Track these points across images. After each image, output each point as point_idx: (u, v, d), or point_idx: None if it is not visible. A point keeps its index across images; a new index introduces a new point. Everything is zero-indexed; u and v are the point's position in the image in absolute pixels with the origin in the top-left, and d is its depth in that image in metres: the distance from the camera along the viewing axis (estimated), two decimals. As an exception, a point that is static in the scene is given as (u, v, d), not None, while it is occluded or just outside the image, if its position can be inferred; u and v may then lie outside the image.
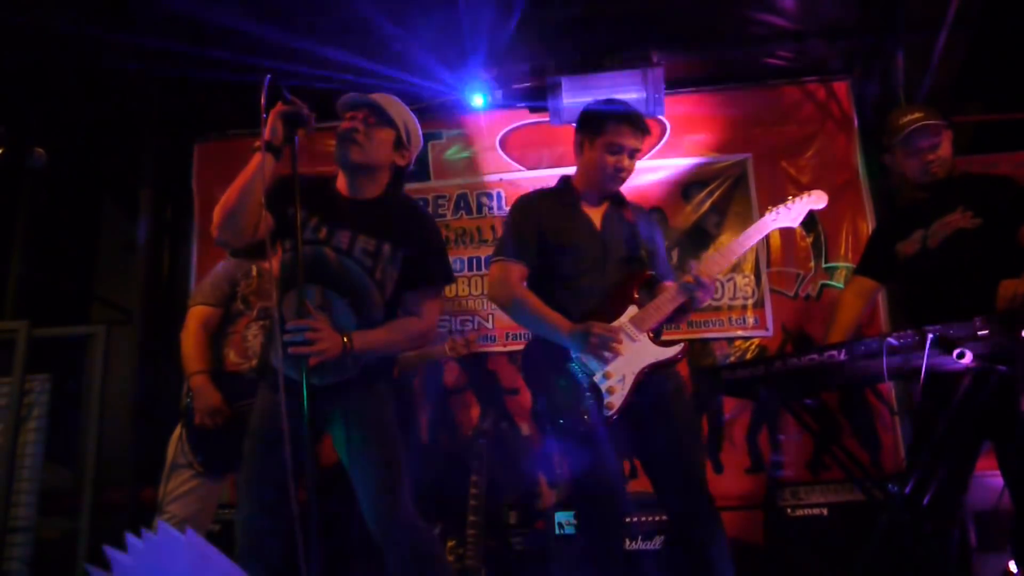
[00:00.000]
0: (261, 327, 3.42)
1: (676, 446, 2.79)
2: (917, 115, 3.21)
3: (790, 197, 3.06)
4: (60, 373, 4.51)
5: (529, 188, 5.17)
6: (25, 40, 4.54)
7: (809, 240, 4.93)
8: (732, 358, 4.79)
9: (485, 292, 4.96)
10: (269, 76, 2.36)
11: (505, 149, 5.30)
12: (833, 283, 4.84)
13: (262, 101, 2.30)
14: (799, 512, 3.90)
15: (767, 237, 4.89)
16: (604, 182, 3.01)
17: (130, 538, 1.44)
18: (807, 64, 5.12)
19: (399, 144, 2.79)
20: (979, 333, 2.44)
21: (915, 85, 4.71)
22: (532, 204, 3.06)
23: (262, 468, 2.56)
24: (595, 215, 3.02)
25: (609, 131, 2.95)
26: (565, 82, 4.80)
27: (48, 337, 4.35)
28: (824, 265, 4.89)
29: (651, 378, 2.76)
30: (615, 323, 2.77)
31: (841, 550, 3.68)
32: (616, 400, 2.70)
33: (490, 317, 4.97)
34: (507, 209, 5.16)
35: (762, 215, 4.80)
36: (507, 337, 4.91)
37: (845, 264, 4.84)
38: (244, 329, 3.43)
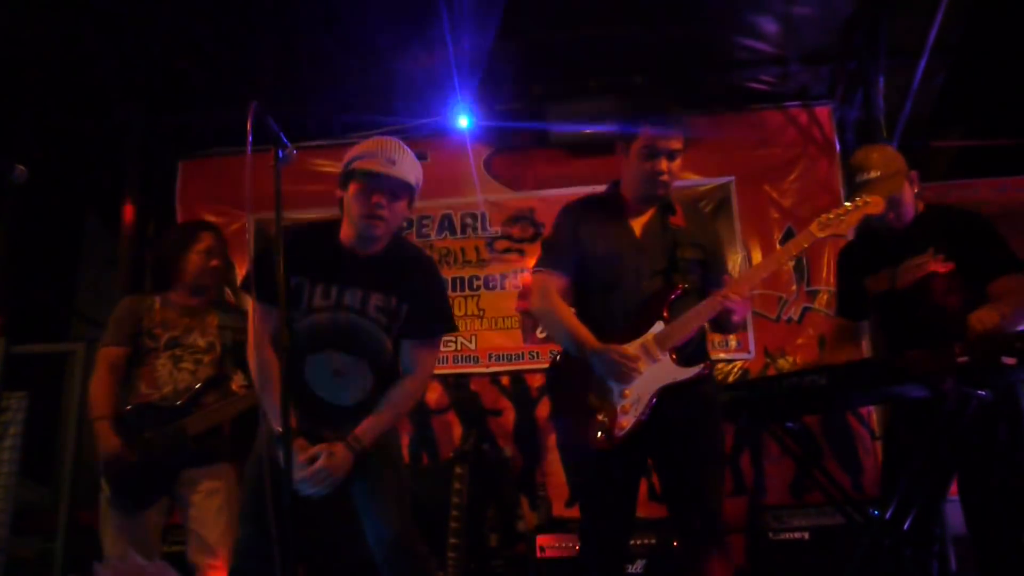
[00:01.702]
0: (169, 356, 3.41)
1: (694, 480, 2.68)
2: (873, 174, 3.02)
3: (847, 204, 2.88)
4: (38, 390, 4.47)
5: (513, 209, 5.26)
6: (7, 54, 4.53)
7: (791, 264, 4.95)
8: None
9: (469, 312, 4.97)
10: (255, 103, 2.31)
11: (490, 170, 5.31)
12: (815, 307, 4.86)
13: (248, 126, 2.26)
14: (781, 536, 3.89)
15: (749, 260, 4.95)
16: (645, 188, 2.85)
17: (97, 568, 1.42)
18: (790, 89, 5.17)
19: (412, 202, 2.75)
20: (959, 360, 2.44)
21: (896, 110, 4.76)
22: (574, 212, 2.96)
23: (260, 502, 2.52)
24: (637, 224, 2.89)
25: (641, 135, 2.81)
26: (549, 105, 4.82)
27: (27, 354, 4.32)
28: (807, 289, 4.91)
29: (671, 399, 2.65)
30: (639, 339, 2.69)
31: (823, 574, 3.68)
32: (628, 421, 2.62)
33: (473, 338, 4.96)
34: (491, 230, 5.22)
35: (744, 238, 4.88)
36: (489, 358, 4.90)
37: (827, 288, 4.85)
38: (155, 360, 3.40)
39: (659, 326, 2.69)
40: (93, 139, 5.34)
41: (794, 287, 4.93)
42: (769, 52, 4.91)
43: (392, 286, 2.68)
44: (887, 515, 2.80)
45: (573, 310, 2.83)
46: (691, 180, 5.14)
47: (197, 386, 3.38)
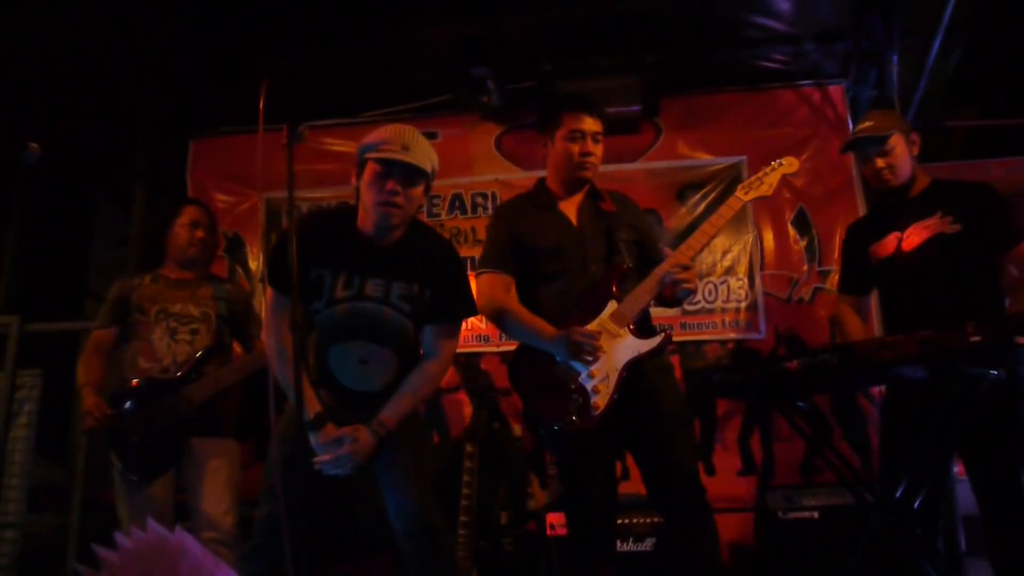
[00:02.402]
0: (165, 329, 3.47)
1: (667, 440, 2.75)
2: (866, 124, 3.21)
3: (762, 170, 3.05)
4: (52, 368, 4.50)
5: (524, 188, 5.21)
6: (19, 35, 4.53)
7: (803, 244, 4.94)
8: (725, 361, 4.79)
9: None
10: (267, 81, 2.32)
11: (501, 149, 5.29)
12: (827, 287, 4.84)
13: (260, 105, 2.26)
14: (791, 515, 3.90)
15: (760, 240, 4.93)
16: (573, 172, 2.99)
17: (119, 537, 1.43)
18: (802, 68, 5.12)
19: (428, 189, 2.75)
20: (971, 340, 2.43)
21: (910, 89, 4.72)
22: (507, 211, 3.10)
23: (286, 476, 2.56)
24: (571, 211, 3.01)
25: (565, 120, 2.97)
26: (561, 84, 4.80)
27: (40, 332, 4.35)
28: (818, 269, 4.89)
29: (637, 372, 2.75)
30: (596, 320, 2.78)
31: (832, 553, 3.68)
32: (602, 400, 2.70)
33: (484, 317, 4.96)
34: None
35: (756, 218, 4.86)
36: (501, 337, 4.90)
37: (839, 268, 4.83)
38: (150, 334, 3.46)
39: (612, 305, 2.80)
40: (104, 118, 5.34)
41: (805, 267, 4.91)
42: (782, 30, 4.86)
43: (414, 273, 2.70)
44: (897, 494, 2.80)
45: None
46: (702, 159, 5.12)
47: (197, 355, 3.44)
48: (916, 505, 2.80)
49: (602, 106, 3.04)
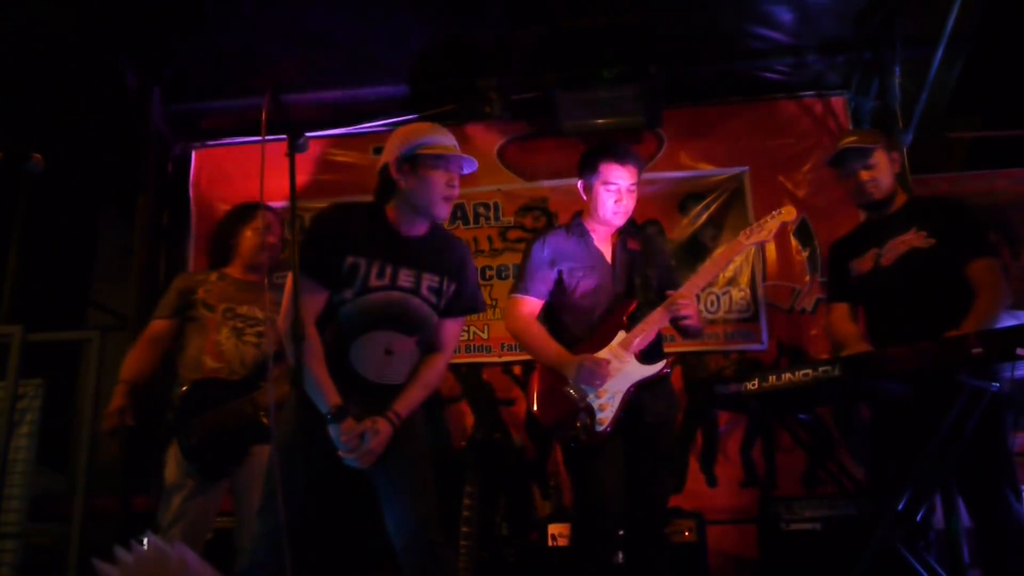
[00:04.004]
0: (231, 329, 3.46)
1: (652, 478, 3.06)
2: (851, 138, 3.31)
3: (764, 217, 3.26)
4: (54, 378, 4.50)
5: (526, 198, 5.25)
6: (22, 44, 4.54)
7: (805, 254, 4.93)
8: (727, 372, 4.79)
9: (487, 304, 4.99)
10: (269, 92, 2.33)
11: (503, 159, 5.30)
12: (829, 298, 4.84)
13: (263, 117, 2.28)
14: (793, 527, 3.89)
15: (763, 251, 4.93)
16: (608, 219, 3.23)
17: (119, 551, 1.43)
18: (804, 79, 5.13)
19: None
20: (973, 352, 2.43)
21: (912, 100, 4.72)
22: (553, 243, 3.29)
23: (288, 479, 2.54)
24: (606, 249, 3.28)
25: (601, 171, 3.20)
26: (563, 94, 4.81)
27: (43, 342, 4.34)
28: (820, 279, 4.88)
29: (641, 395, 3.04)
30: (606, 347, 3.07)
31: (835, 565, 3.67)
32: (607, 416, 2.98)
33: (486, 328, 4.97)
34: (504, 219, 5.22)
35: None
36: (502, 348, 4.90)
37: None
38: (216, 334, 3.44)
39: (621, 335, 3.09)
40: (108, 128, 5.36)
41: (807, 278, 4.90)
42: (784, 41, 4.87)
43: (441, 266, 2.78)
44: (899, 507, 2.79)
45: (544, 327, 3.22)
46: (705, 170, 5.13)
47: (266, 360, 3.39)
48: (919, 517, 2.80)
49: (637, 155, 3.29)
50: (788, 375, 2.80)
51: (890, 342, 2.80)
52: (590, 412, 2.97)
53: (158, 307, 3.60)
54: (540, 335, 3.17)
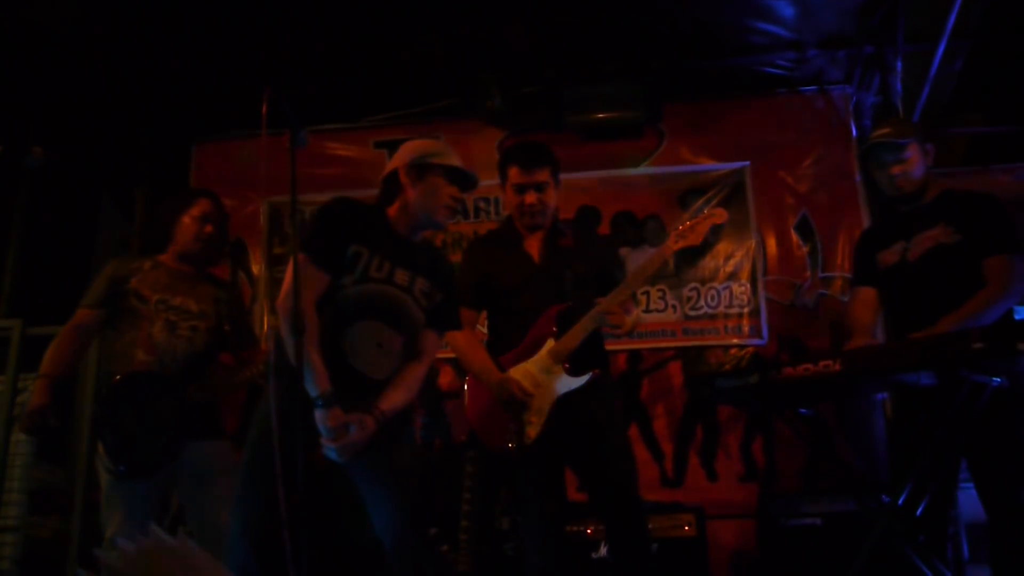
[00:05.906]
0: (164, 322, 3.28)
1: (612, 472, 3.03)
2: (885, 130, 3.24)
3: (694, 219, 3.16)
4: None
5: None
6: (24, 38, 4.54)
7: (806, 249, 4.93)
8: (727, 366, 4.79)
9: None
10: (269, 86, 2.32)
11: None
12: (829, 293, 4.84)
13: (263, 109, 2.27)
14: (793, 522, 3.89)
15: (763, 245, 4.93)
16: (525, 219, 3.22)
17: (120, 541, 1.43)
18: (806, 74, 5.12)
19: None
20: (975, 347, 2.42)
21: (913, 95, 4.72)
22: (477, 251, 3.36)
23: (264, 464, 2.51)
24: (534, 249, 3.24)
25: (510, 174, 3.22)
26: (564, 89, 4.80)
27: (42, 335, 4.34)
28: (821, 275, 4.89)
29: (571, 406, 3.03)
30: (535, 357, 3.07)
31: (835, 561, 3.67)
32: (533, 430, 3.02)
33: (486, 322, 4.96)
34: (504, 214, 5.21)
35: (759, 224, 4.88)
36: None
37: (842, 274, 4.83)
38: (148, 326, 3.25)
39: (550, 343, 3.07)
40: (108, 123, 5.35)
41: (808, 273, 4.91)
42: (786, 36, 4.86)
43: (433, 274, 2.82)
44: (899, 501, 2.79)
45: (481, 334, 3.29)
46: (706, 165, 5.13)
47: (196, 354, 3.29)
48: (919, 512, 2.79)
49: (549, 152, 3.23)
50: (789, 370, 2.80)
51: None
52: (520, 425, 3.02)
53: (86, 295, 3.37)
54: (467, 347, 3.17)
